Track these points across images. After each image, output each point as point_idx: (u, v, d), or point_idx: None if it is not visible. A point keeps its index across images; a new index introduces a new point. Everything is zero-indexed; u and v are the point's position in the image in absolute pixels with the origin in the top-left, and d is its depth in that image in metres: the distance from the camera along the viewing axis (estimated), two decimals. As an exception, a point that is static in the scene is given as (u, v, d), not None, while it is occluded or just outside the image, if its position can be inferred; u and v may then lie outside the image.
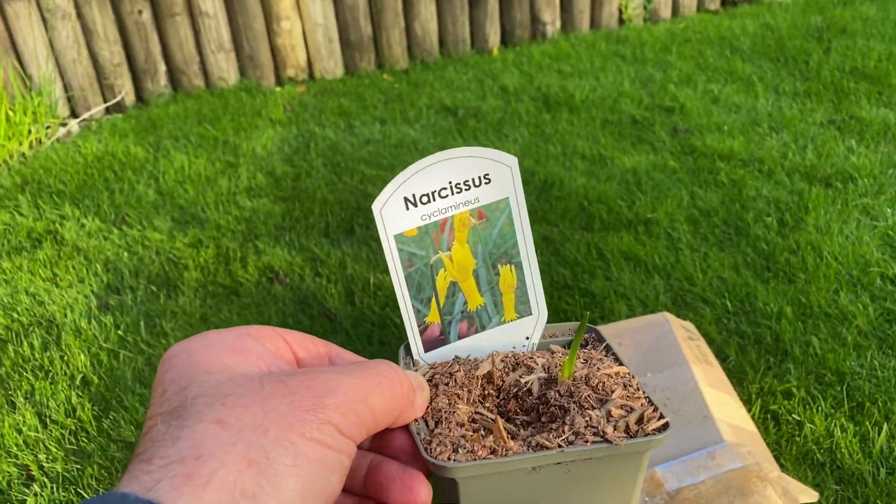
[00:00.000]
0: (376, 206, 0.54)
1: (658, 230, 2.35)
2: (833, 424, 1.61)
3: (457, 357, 0.58)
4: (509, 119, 3.22)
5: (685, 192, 2.54)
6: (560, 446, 0.47)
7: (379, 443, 0.49)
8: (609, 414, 0.49)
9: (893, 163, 2.60)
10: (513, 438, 0.50)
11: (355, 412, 0.39)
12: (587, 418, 0.48)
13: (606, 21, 4.20)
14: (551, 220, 2.46)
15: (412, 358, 0.58)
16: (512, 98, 3.43)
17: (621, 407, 0.49)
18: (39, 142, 3.30)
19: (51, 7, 3.34)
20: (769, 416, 1.66)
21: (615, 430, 0.47)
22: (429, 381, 0.54)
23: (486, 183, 0.56)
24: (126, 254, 2.47)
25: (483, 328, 0.59)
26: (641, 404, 0.50)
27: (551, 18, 4.10)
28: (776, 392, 1.71)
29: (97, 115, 3.58)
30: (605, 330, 1.59)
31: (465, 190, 0.55)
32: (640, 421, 0.49)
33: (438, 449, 0.47)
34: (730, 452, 1.28)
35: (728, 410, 1.42)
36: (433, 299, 0.57)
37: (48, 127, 3.37)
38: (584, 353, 0.58)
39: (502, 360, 0.57)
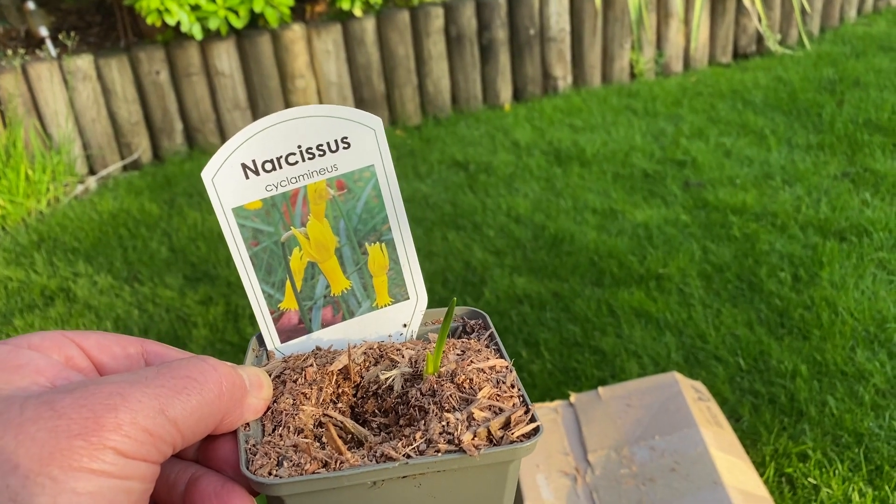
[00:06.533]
0: (206, 175, 0.47)
1: (670, 286, 2.32)
2: (851, 489, 1.55)
3: (317, 349, 0.51)
4: (520, 174, 3.23)
5: (697, 247, 2.52)
6: (407, 456, 0.40)
7: (204, 452, 0.43)
8: (470, 417, 0.42)
9: (909, 216, 2.57)
10: (359, 446, 0.44)
11: (146, 429, 0.34)
12: (444, 422, 0.42)
13: (618, 75, 4.23)
14: (562, 275, 2.44)
15: (266, 350, 0.52)
16: (523, 153, 3.45)
17: (488, 408, 0.43)
18: (57, 200, 3.35)
19: (72, 69, 3.43)
20: (784, 479, 1.61)
21: (475, 436, 0.41)
22: (278, 377, 0.48)
23: (344, 148, 0.49)
24: (136, 311, 2.47)
25: (351, 315, 0.52)
26: (513, 405, 0.43)
27: (563, 73, 4.14)
28: (791, 454, 1.66)
29: (114, 173, 3.64)
30: (613, 391, 1.55)
31: (320, 156, 0.48)
32: (505, 425, 0.42)
33: (260, 462, 0.41)
34: (740, 521, 1.24)
35: (739, 475, 1.38)
36: (287, 282, 0.50)
37: (66, 185, 3.42)
38: (464, 343, 0.51)
39: (364, 353, 0.50)
